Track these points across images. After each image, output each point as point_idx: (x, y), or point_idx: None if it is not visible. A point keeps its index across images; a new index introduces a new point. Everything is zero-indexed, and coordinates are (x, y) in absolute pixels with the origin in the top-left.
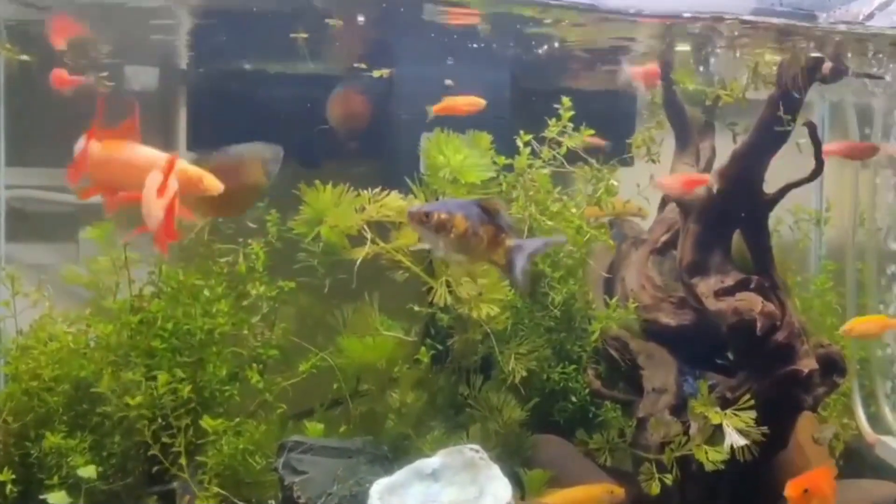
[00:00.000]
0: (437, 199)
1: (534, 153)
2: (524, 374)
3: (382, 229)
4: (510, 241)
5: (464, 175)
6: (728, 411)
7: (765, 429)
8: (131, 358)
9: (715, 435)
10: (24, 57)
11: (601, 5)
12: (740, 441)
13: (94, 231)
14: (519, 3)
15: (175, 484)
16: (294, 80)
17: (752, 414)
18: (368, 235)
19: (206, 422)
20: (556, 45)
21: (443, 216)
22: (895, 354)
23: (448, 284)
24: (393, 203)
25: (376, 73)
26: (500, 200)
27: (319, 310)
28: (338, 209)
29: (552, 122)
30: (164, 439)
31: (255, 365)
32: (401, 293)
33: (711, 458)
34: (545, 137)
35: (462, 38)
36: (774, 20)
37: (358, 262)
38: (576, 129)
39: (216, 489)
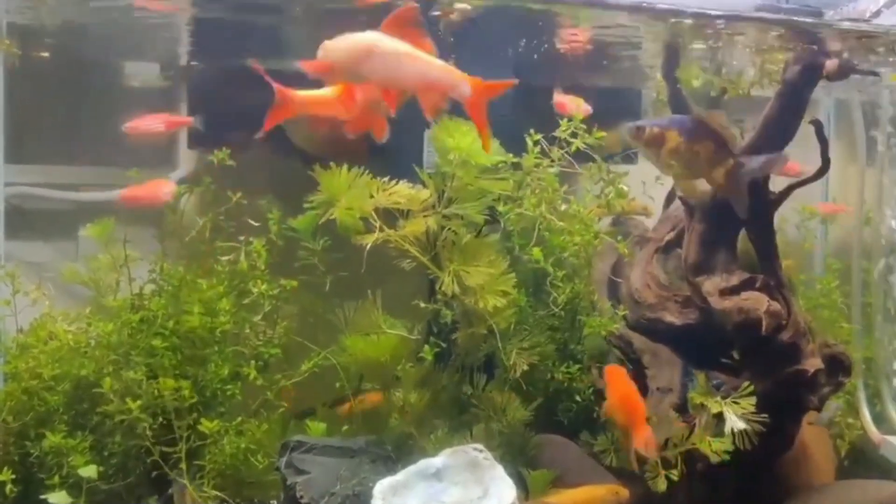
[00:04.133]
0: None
1: (543, 152)
2: (525, 368)
3: (390, 220)
4: (731, 160)
5: (473, 157)
6: (728, 399)
7: (765, 417)
8: (132, 357)
9: (719, 432)
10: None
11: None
12: (740, 424)
13: (94, 228)
14: None
15: (172, 489)
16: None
17: (752, 400)
18: (377, 223)
19: (205, 424)
20: (561, 40)
21: (655, 130)
22: None
23: (454, 274)
24: (403, 191)
25: None
26: (724, 116)
27: (321, 308)
28: (352, 192)
29: (563, 122)
30: (166, 439)
31: (253, 362)
32: (403, 291)
33: (715, 448)
34: (553, 136)
35: (463, 33)
36: (780, 17)
37: (367, 247)
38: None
39: (214, 492)
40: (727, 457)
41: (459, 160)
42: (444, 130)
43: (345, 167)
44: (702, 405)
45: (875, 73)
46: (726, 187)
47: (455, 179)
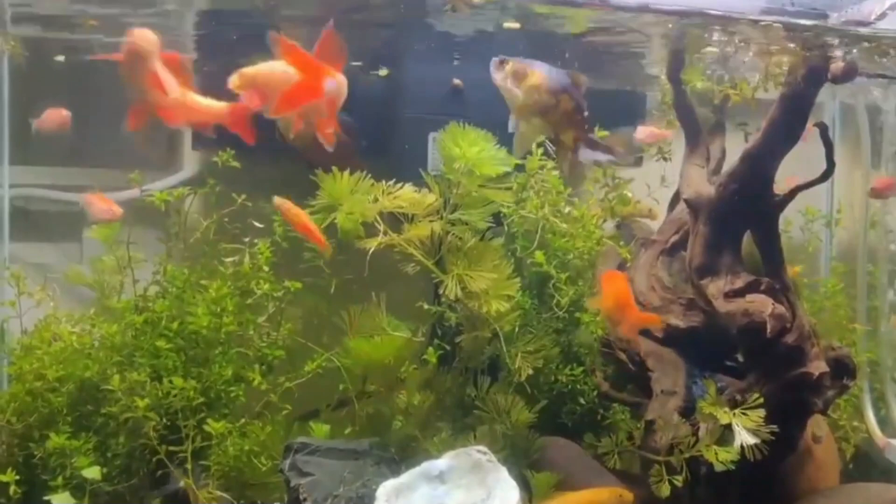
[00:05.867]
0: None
1: (546, 154)
2: (530, 371)
3: (395, 224)
4: (583, 129)
5: (479, 167)
6: (737, 410)
7: (774, 427)
8: (136, 358)
9: (725, 437)
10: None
11: (612, 1)
12: (750, 440)
13: (98, 230)
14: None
15: (181, 483)
16: None
17: (762, 412)
18: (381, 227)
19: (211, 425)
20: (565, 42)
21: (518, 65)
22: None
23: (458, 278)
24: (406, 195)
25: (382, 73)
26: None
27: (326, 310)
28: (354, 197)
29: None
30: (169, 441)
31: (256, 366)
32: (407, 293)
33: (721, 458)
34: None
35: (469, 36)
36: (785, 19)
37: (370, 251)
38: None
39: (219, 493)
40: (732, 465)
41: (465, 169)
42: (450, 138)
43: (346, 172)
44: (712, 416)
45: (894, 77)
46: (565, 154)
47: (460, 187)
